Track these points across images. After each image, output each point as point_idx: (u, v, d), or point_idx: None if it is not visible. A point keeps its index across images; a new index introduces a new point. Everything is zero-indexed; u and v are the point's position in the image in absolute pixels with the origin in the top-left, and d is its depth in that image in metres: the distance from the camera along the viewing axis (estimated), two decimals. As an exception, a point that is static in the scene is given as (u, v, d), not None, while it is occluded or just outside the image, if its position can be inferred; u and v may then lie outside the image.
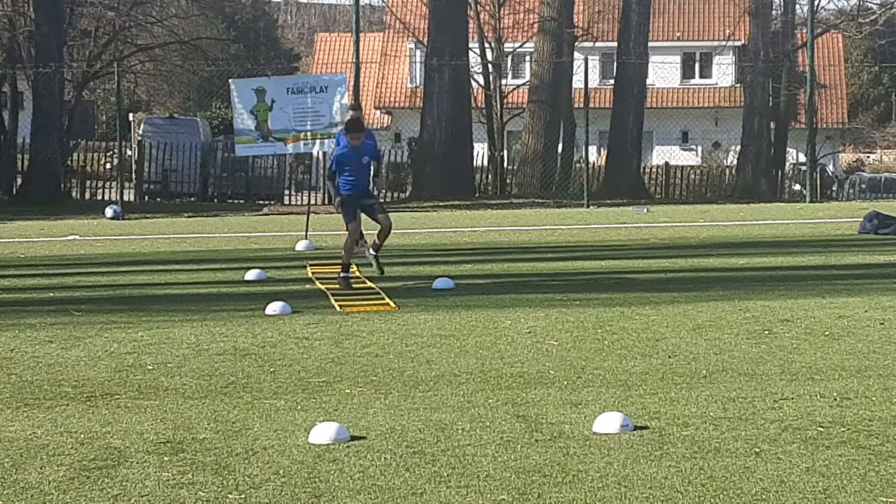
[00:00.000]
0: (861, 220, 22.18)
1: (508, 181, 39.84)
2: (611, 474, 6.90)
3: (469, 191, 36.28)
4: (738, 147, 42.15)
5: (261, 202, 37.35)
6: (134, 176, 37.72)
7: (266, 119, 22.23)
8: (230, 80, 24.15)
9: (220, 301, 14.29)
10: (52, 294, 15.24)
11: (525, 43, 46.74)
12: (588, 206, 31.31)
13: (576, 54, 41.27)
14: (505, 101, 46.03)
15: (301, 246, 20.00)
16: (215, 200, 38.93)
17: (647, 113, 41.10)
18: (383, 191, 41.56)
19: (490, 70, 46.36)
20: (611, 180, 37.14)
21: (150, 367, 10.30)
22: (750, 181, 38.80)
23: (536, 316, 12.56)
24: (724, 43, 52.14)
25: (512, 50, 48.40)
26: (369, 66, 54.02)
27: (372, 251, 15.61)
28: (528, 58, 47.91)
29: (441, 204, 32.43)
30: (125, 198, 32.72)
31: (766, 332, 11.44)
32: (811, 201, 32.97)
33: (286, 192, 39.91)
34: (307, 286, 15.38)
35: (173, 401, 9.02)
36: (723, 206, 32.20)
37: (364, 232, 16.44)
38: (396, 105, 58.64)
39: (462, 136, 36.35)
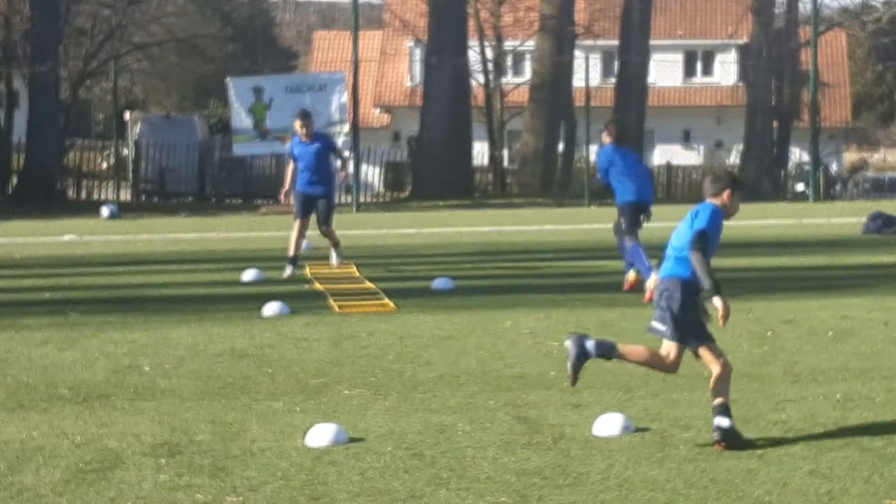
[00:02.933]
0: (864, 219, 22.13)
1: (508, 181, 39.85)
2: (612, 477, 6.86)
3: (469, 191, 36.28)
4: (741, 146, 42.17)
5: (258, 202, 37.31)
6: (130, 175, 37.73)
7: (264, 118, 22.28)
8: (228, 79, 24.17)
9: (218, 302, 14.24)
10: (47, 295, 15.20)
11: (525, 41, 46.73)
12: (589, 206, 31.28)
13: (577, 52, 41.28)
14: (505, 99, 46.02)
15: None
16: (212, 200, 38.91)
17: (649, 112, 41.15)
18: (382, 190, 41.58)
19: (490, 68, 46.35)
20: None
21: (146, 369, 10.25)
22: (753, 181, 38.83)
23: (537, 317, 12.52)
24: (726, 41, 52.16)
25: (512, 48, 48.39)
26: (368, 65, 53.99)
27: None
28: (528, 56, 47.92)
29: (441, 204, 32.41)
30: (121, 197, 32.76)
31: (769, 333, 11.41)
32: (814, 201, 32.96)
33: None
34: (305, 287, 15.34)
35: (170, 403, 8.97)
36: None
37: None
38: (396, 104, 58.65)
39: (462, 136, 36.34)
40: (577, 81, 38.71)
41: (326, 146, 16.85)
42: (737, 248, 19.33)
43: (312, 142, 16.56)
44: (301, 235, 16.45)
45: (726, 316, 7.41)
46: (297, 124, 16.51)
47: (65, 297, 14.87)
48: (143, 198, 37.78)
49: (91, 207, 32.63)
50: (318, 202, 16.51)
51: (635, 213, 14.41)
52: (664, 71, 52.19)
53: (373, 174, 41.80)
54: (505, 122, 45.13)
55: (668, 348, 7.61)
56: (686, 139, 57.43)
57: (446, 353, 10.73)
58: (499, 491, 6.65)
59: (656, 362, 7.63)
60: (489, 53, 46.21)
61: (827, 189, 43.67)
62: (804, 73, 44.82)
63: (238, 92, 22.41)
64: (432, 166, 35.79)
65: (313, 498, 6.60)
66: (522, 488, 6.69)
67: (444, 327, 11.98)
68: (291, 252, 16.26)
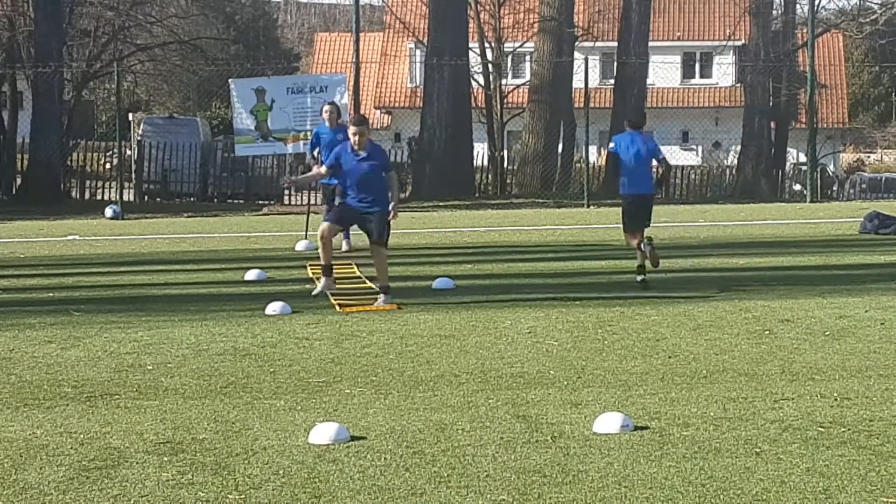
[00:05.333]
0: (861, 220, 22.16)
1: (508, 181, 39.83)
2: (611, 474, 6.89)
3: (469, 191, 36.25)
4: (739, 147, 42.16)
5: (260, 202, 37.30)
6: (133, 176, 37.74)
7: (266, 119, 22.28)
8: (230, 80, 24.17)
9: (220, 301, 14.27)
10: (51, 294, 15.23)
11: (525, 43, 46.74)
12: (588, 206, 31.29)
13: (576, 54, 41.27)
14: (505, 100, 46.02)
15: (301, 246, 19.98)
16: (215, 200, 38.89)
17: (648, 113, 40.94)
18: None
19: (490, 70, 46.35)
20: (611, 180, 37.08)
21: (149, 368, 10.29)
22: (750, 181, 38.81)
23: (536, 316, 12.55)
24: (724, 43, 52.14)
25: (512, 50, 48.39)
26: (369, 66, 53.99)
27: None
28: (528, 57, 47.94)
29: (441, 204, 32.38)
30: (125, 198, 32.69)
31: (767, 333, 11.44)
32: (811, 201, 32.93)
33: (286, 191, 39.90)
34: (307, 286, 15.36)
35: (173, 401, 9.01)
36: (723, 206, 32.17)
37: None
38: (396, 105, 58.67)
39: (462, 136, 36.33)
40: (577, 83, 38.72)
41: (383, 164, 13.73)
42: (735, 248, 19.37)
43: (367, 156, 13.50)
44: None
45: None
46: (352, 132, 13.49)
47: (69, 296, 14.89)
48: (146, 198, 37.78)
49: (95, 208, 32.59)
50: (370, 219, 13.56)
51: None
52: (663, 72, 52.16)
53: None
54: (505, 122, 45.14)
55: None
56: (684, 140, 57.39)
57: (447, 351, 10.77)
58: (499, 489, 6.69)
59: None
60: (489, 55, 46.23)
61: (824, 189, 43.67)
62: (801, 74, 44.80)
63: (240, 93, 22.45)
64: (432, 167, 35.81)
65: (315, 495, 6.63)
66: (522, 486, 6.73)
67: (445, 326, 12.02)
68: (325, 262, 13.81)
